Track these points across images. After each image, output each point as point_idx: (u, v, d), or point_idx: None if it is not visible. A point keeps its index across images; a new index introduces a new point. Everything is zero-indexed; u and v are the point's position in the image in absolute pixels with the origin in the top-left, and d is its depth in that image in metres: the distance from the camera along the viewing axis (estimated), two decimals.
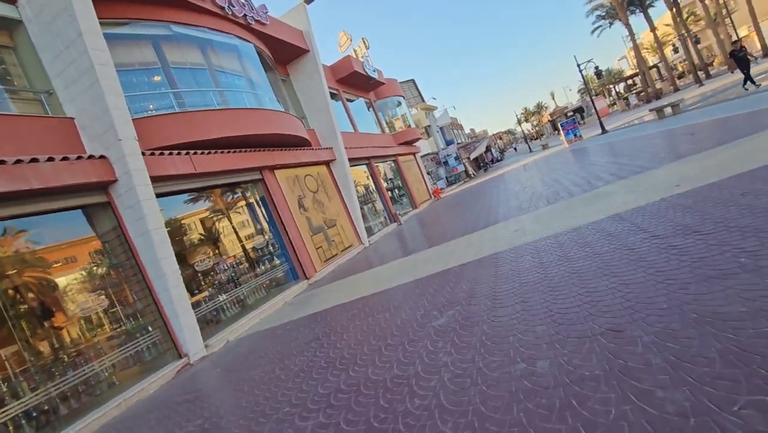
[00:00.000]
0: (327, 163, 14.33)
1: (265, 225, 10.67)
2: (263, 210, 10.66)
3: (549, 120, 73.03)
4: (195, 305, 8.00)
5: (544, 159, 20.09)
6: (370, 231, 16.22)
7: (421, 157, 30.47)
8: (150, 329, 6.90)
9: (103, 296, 6.59)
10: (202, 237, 8.98)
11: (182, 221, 8.64)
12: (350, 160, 15.92)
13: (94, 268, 6.68)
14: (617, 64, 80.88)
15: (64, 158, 5.95)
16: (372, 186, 18.33)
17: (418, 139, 25.78)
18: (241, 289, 9.18)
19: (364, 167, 18.27)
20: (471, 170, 37.33)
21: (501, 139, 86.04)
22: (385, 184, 19.81)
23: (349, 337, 4.65)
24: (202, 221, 9.08)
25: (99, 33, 6.54)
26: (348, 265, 11.55)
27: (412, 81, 45.05)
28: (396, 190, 21.65)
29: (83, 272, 6.52)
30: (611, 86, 72.06)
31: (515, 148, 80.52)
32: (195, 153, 8.22)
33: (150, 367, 6.61)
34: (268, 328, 7.29)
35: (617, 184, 6.78)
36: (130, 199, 6.62)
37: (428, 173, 33.05)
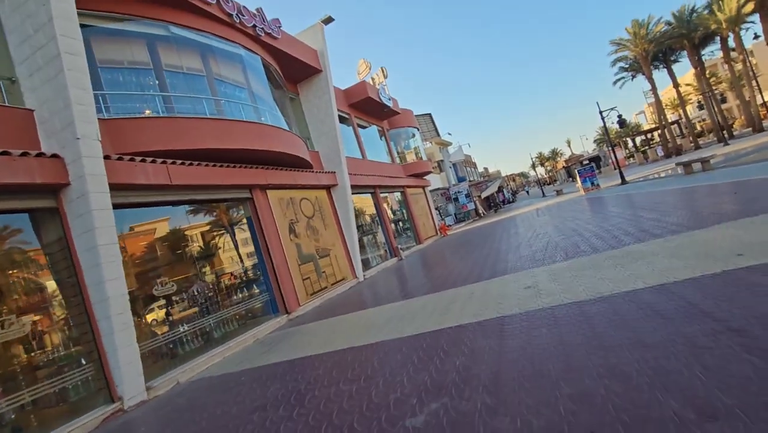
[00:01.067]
0: (328, 188, 13.46)
1: (248, 249, 9.67)
2: (248, 232, 9.70)
3: (564, 166, 72.43)
4: (148, 336, 6.93)
5: (559, 205, 19.04)
6: (367, 264, 15.12)
7: (431, 191, 29.64)
8: (83, 362, 5.80)
9: (32, 319, 5.56)
10: (171, 257, 7.98)
11: (148, 237, 7.67)
12: (355, 187, 15.07)
13: (28, 284, 5.70)
14: (635, 118, 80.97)
15: (4, 153, 5.10)
16: (375, 216, 17.37)
17: (429, 173, 25.01)
18: (208, 319, 8.08)
19: (369, 196, 17.39)
20: (481, 209, 36.34)
21: (514, 181, 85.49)
22: (389, 216, 18.86)
23: (299, 417, 3.51)
24: (173, 239, 8.12)
25: (74, 19, 5.84)
26: (337, 301, 10.41)
27: (429, 115, 45.01)
28: (400, 223, 20.66)
29: (10, 289, 5.52)
30: (627, 139, 71.73)
31: (527, 192, 79.58)
32: (173, 163, 7.37)
33: (74, 409, 5.48)
34: (224, 374, 6.14)
35: (653, 244, 5.69)
36: (81, 207, 5.70)
37: (437, 209, 32.12)
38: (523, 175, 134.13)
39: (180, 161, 7.56)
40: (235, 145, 8.73)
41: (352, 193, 15.00)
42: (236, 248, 9.54)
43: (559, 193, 30.85)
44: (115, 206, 6.57)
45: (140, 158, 6.80)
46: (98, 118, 6.76)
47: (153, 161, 7.01)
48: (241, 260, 9.46)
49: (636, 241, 6.23)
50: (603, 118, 20.79)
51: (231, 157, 8.99)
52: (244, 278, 9.33)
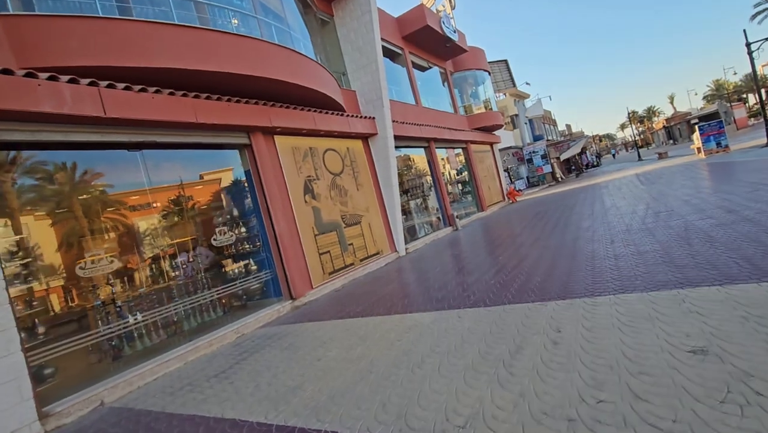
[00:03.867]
0: (365, 137, 10.70)
1: (242, 213, 7.42)
2: (244, 189, 7.40)
3: (664, 126, 61.90)
4: (81, 329, 5.01)
5: (670, 171, 14.52)
6: (413, 234, 12.43)
7: (501, 150, 25.60)
8: None
9: None
10: (119, 221, 5.89)
11: (77, 193, 5.57)
12: (402, 138, 12.16)
13: None
14: (761, 70, 66.11)
15: None
16: (427, 176, 14.39)
17: (499, 127, 21.05)
18: (177, 305, 6.04)
19: (422, 151, 14.35)
20: (559, 173, 31.31)
21: (600, 141, 75.90)
22: (446, 176, 15.76)
23: None
24: (129, 198, 6.01)
25: None
26: (362, 284, 7.95)
27: (505, 62, 39.38)
28: (459, 186, 17.46)
29: None
30: (749, 95, 59.52)
31: (613, 155, 70.21)
32: (109, 86, 5.05)
33: None
34: (142, 411, 3.99)
35: None
36: None
37: (506, 170, 28.06)
38: (608, 136, 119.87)
39: (124, 85, 5.23)
40: (218, 67, 6.24)
41: (399, 147, 12.16)
42: (221, 210, 7.32)
43: (662, 156, 25.11)
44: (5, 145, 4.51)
45: (47, 75, 4.54)
46: None
47: (73, 80, 4.74)
48: (234, 228, 7.24)
49: None
50: (750, 54, 15.14)
51: (215, 86, 6.56)
52: (236, 251, 7.14)
